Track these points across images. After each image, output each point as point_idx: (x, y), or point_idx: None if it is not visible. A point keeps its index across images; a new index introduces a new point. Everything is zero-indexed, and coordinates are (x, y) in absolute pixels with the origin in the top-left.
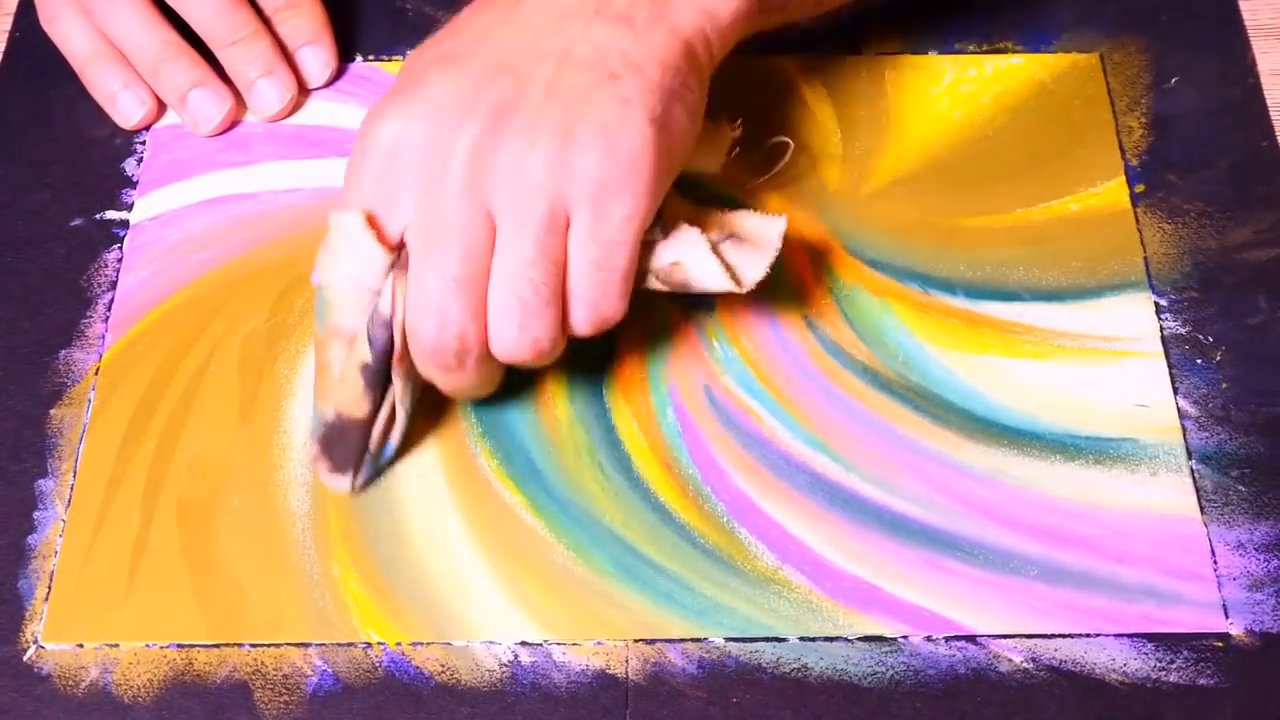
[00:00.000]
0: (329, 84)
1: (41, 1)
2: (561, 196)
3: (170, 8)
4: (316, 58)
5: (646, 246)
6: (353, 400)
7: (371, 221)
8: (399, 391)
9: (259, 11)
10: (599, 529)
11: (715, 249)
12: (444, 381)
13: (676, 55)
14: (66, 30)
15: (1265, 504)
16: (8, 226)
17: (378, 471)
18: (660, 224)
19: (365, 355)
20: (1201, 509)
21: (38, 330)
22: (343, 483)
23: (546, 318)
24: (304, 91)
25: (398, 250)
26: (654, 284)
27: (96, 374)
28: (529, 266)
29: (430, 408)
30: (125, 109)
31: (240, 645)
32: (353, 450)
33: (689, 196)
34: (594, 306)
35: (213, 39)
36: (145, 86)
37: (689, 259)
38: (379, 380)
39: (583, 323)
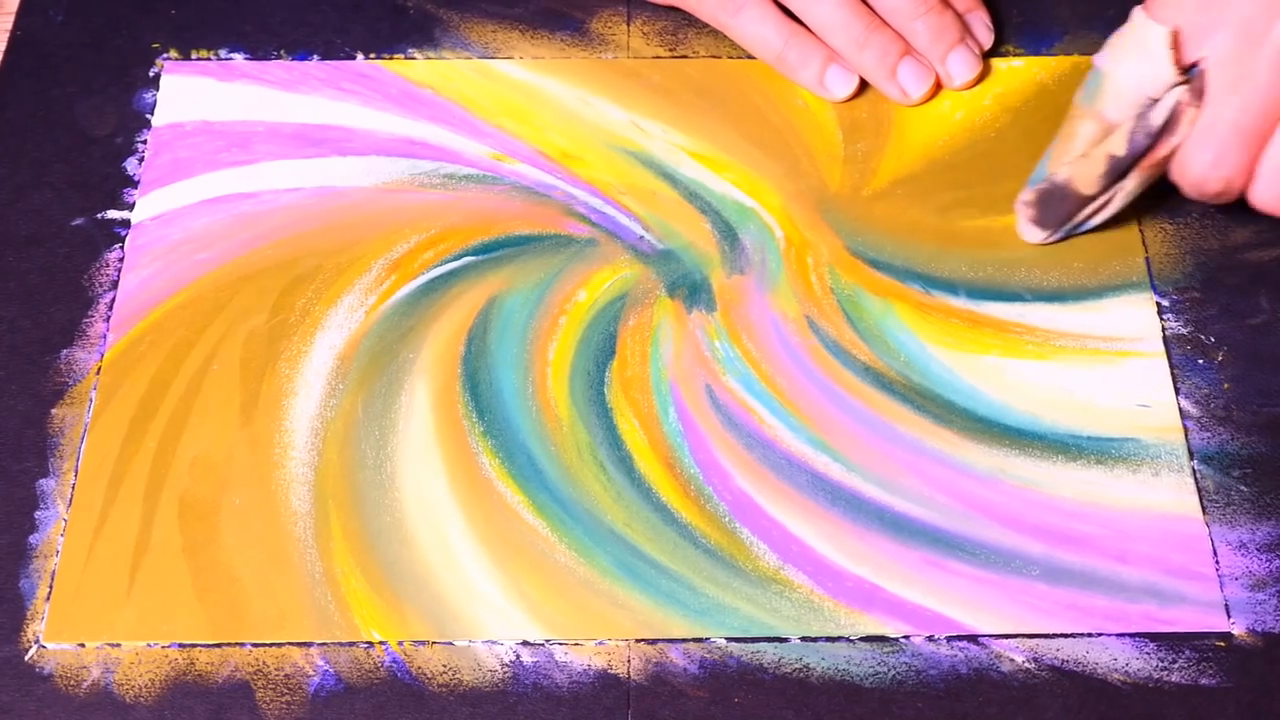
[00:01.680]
0: (987, 51)
1: (716, 3)
2: None
3: None
4: (981, 21)
5: None
6: (1088, 178)
7: (1175, 40)
8: (1130, 187)
9: None
10: (601, 529)
11: None
12: (1189, 193)
13: None
14: (753, 19)
15: (1267, 504)
16: (9, 226)
17: (1065, 236)
18: None
19: (1119, 149)
20: (1203, 509)
21: (39, 330)
22: (1037, 235)
23: None
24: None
25: (1186, 71)
26: None
27: (98, 373)
28: None
29: (430, 404)
30: (837, 84)
31: (242, 645)
32: (1064, 214)
33: None
34: None
35: (899, 13)
36: (845, 62)
37: None
38: (1118, 173)
39: None
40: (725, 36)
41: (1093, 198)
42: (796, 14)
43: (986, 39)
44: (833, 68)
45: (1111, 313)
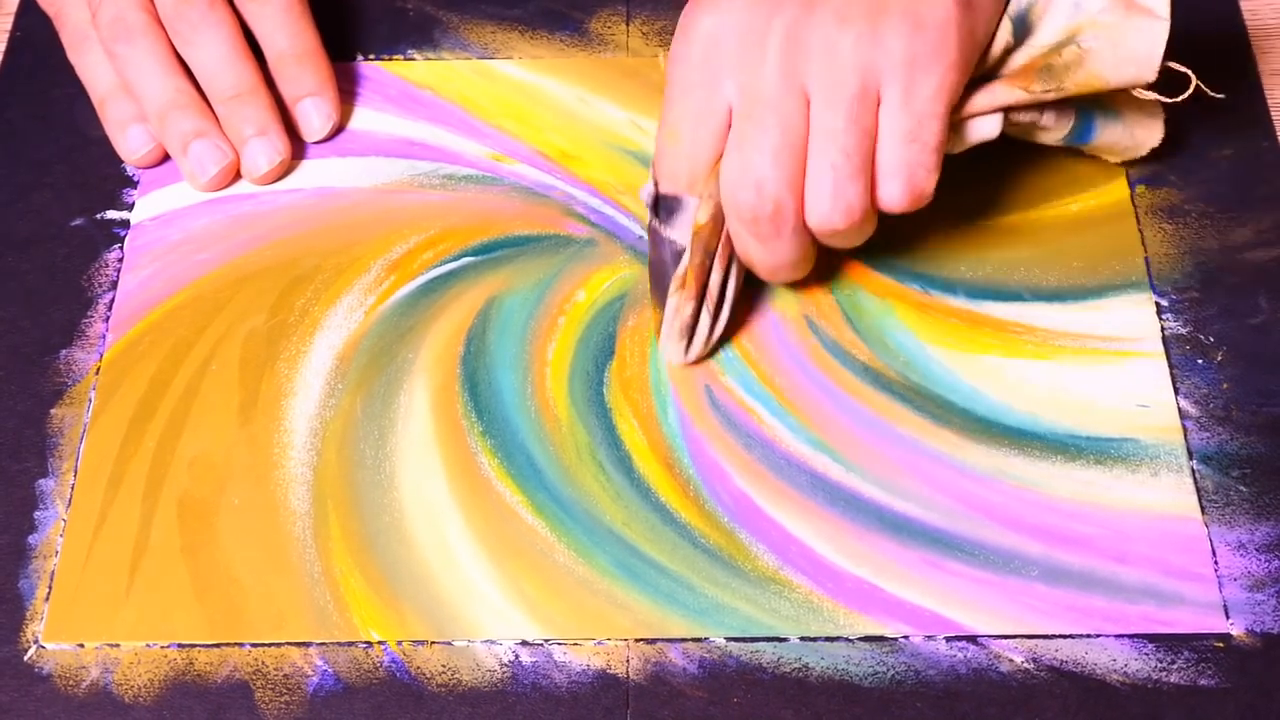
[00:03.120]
0: (329, 138)
1: (69, 34)
2: (873, 71)
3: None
4: (319, 110)
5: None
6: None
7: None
8: (736, 280)
9: (263, 64)
10: (600, 529)
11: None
12: (761, 256)
13: None
14: (91, 63)
15: (1266, 504)
16: (9, 226)
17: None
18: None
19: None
20: (1202, 509)
21: (38, 330)
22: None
23: (859, 185)
24: (299, 149)
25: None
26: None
27: (97, 373)
28: (840, 135)
29: (429, 404)
30: (133, 143)
31: (241, 645)
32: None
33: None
34: (908, 180)
35: (212, 92)
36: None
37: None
38: (703, 271)
39: (895, 196)
40: None
41: (716, 305)
42: (118, 70)
43: (320, 127)
44: (136, 127)
45: (1111, 312)
